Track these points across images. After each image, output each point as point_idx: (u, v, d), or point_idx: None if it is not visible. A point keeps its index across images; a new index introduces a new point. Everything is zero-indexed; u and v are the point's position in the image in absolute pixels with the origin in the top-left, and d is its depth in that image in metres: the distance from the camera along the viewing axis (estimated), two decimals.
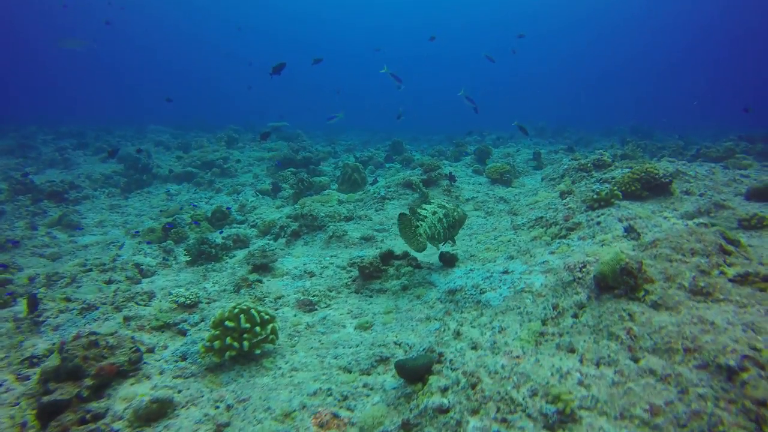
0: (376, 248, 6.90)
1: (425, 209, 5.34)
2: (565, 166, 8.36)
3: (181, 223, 9.16)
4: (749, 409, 2.03)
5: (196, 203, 11.66)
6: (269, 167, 14.11)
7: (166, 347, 4.29)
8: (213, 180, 13.85)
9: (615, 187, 5.32)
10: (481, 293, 4.14)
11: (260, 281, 5.60)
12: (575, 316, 3.15)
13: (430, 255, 6.29)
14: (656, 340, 2.59)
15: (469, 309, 4.08)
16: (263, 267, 5.97)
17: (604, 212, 4.91)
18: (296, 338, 4.44)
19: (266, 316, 4.12)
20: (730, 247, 3.18)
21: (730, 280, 2.90)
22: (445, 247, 6.42)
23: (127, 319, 4.67)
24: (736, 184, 7.26)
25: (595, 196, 5.16)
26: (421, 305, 4.60)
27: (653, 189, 5.89)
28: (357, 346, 4.13)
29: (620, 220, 4.61)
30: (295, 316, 4.88)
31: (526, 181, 10.69)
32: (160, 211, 10.95)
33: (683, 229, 3.48)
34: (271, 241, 7.87)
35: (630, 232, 4.22)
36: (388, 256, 5.56)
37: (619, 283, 3.02)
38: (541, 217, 6.00)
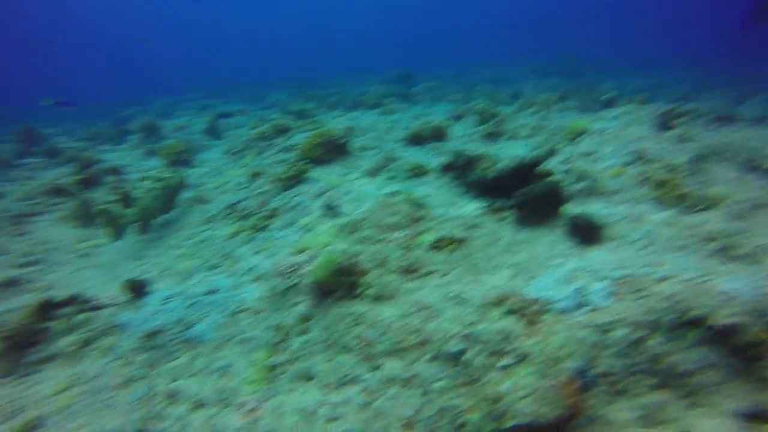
0: (28, 292, 5.00)
1: (143, 188, 5.30)
2: (246, 137, 7.84)
3: None
4: (487, 396, 2.05)
5: None
6: None
7: None
8: None
9: (303, 160, 5.12)
10: (188, 328, 3.34)
11: None
12: (303, 332, 2.78)
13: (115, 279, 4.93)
14: (389, 340, 2.45)
15: (178, 353, 3.24)
16: None
17: (299, 191, 4.65)
18: None
19: None
20: (419, 213, 3.33)
21: (432, 248, 3.03)
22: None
23: None
24: (394, 131, 8.26)
25: (285, 174, 4.84)
26: (114, 363, 3.47)
27: (335, 150, 6.02)
28: None
29: (316, 197, 4.45)
30: None
31: (207, 157, 9.75)
32: None
33: (381, 202, 3.49)
34: None
35: (329, 209, 4.09)
36: (46, 307, 4.00)
37: (339, 285, 2.78)
38: (235, 204, 5.40)
